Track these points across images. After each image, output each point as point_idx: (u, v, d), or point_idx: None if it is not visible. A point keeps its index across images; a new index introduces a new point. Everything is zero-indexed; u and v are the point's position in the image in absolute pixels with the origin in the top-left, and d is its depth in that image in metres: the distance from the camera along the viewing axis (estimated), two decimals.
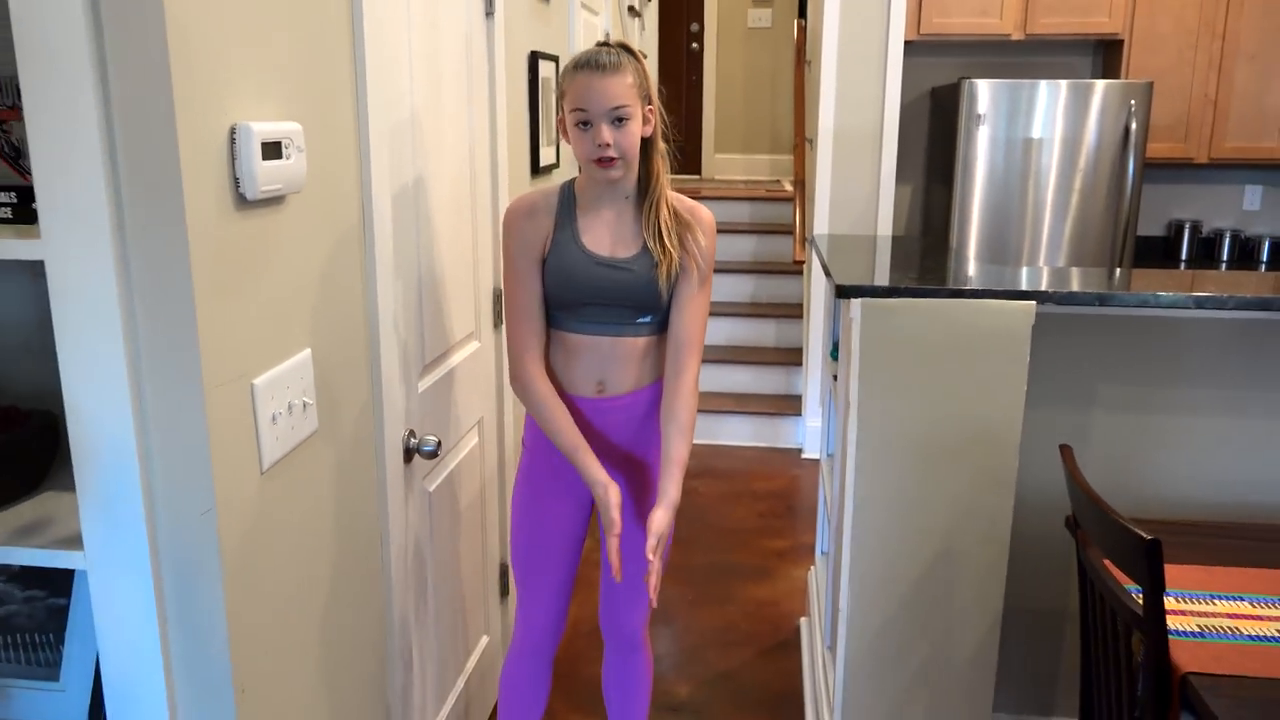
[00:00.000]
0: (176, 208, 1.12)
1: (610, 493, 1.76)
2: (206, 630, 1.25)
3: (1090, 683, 1.78)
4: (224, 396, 1.22)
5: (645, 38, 5.48)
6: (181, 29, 1.10)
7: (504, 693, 2.08)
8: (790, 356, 4.99)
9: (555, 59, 2.94)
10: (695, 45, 7.48)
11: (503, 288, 1.86)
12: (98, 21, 1.07)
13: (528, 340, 1.82)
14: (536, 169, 2.78)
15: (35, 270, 1.47)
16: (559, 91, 1.75)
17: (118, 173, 1.11)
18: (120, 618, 1.24)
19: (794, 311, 5.19)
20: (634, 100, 1.68)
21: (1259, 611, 1.59)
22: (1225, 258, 4.60)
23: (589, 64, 1.68)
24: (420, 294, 1.92)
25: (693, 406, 1.83)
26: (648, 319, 1.82)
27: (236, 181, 1.22)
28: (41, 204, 1.13)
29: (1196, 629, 1.53)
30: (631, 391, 1.86)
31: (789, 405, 4.82)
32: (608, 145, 1.67)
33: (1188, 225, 4.63)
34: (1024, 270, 2.25)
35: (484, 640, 2.50)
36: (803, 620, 3.09)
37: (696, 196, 5.90)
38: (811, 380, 4.64)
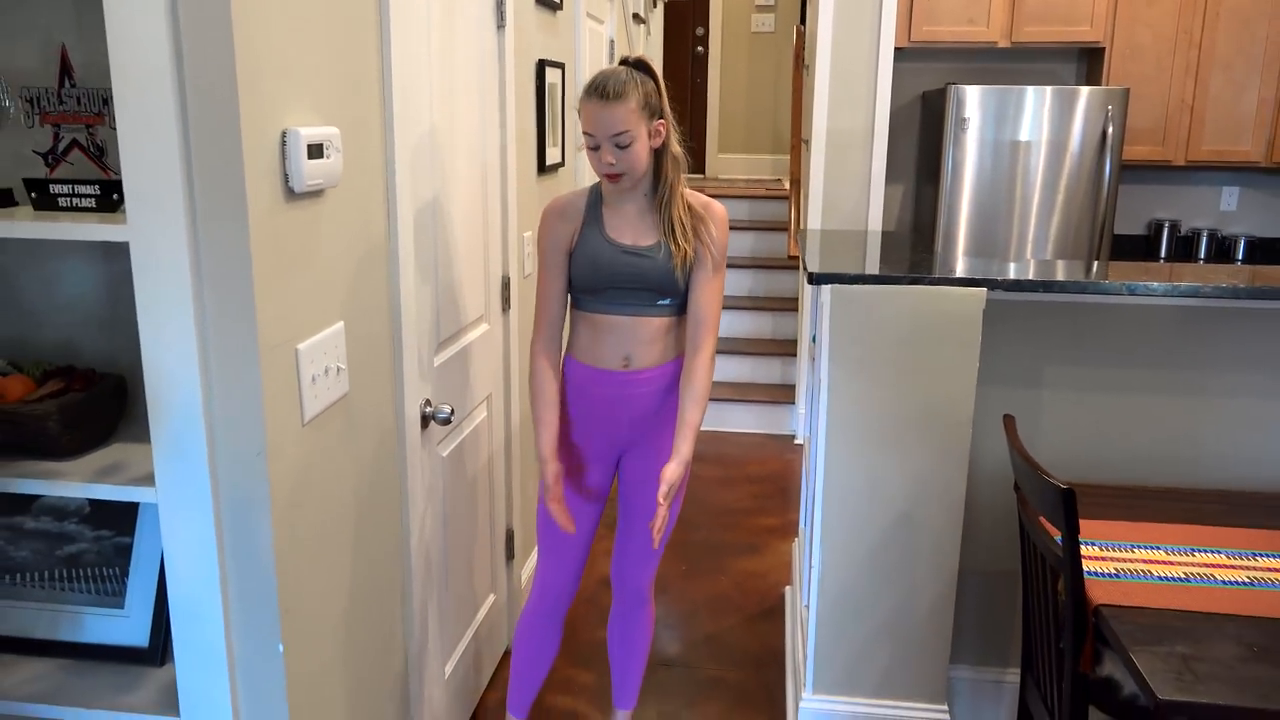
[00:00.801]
0: (239, 199, 1.35)
1: (549, 470, 2.07)
2: (256, 555, 1.49)
3: (1029, 625, 2.01)
4: (274, 358, 1.45)
5: (650, 43, 5.70)
6: (246, 52, 1.33)
7: (518, 644, 2.31)
8: (786, 347, 5.22)
9: (561, 66, 3.17)
10: (700, 49, 7.71)
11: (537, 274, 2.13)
12: (178, 45, 1.31)
13: (545, 329, 2.11)
14: (543, 167, 3.01)
15: (106, 252, 1.72)
16: (579, 110, 1.99)
17: (191, 169, 1.35)
18: (185, 545, 1.48)
19: (790, 305, 5.42)
20: (636, 124, 1.91)
21: (1171, 558, 1.81)
22: (1203, 255, 4.80)
23: (596, 92, 1.92)
24: (436, 277, 2.15)
25: (708, 378, 2.08)
26: (667, 302, 2.05)
27: (286, 177, 1.45)
28: (129, 195, 1.36)
29: (1113, 571, 1.76)
30: (655, 366, 2.09)
31: (784, 394, 5.05)
32: (612, 164, 1.93)
33: (1167, 224, 4.83)
34: (977, 261, 2.47)
35: (490, 598, 2.73)
36: (787, 589, 3.32)
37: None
38: (806, 369, 4.87)
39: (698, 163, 7.89)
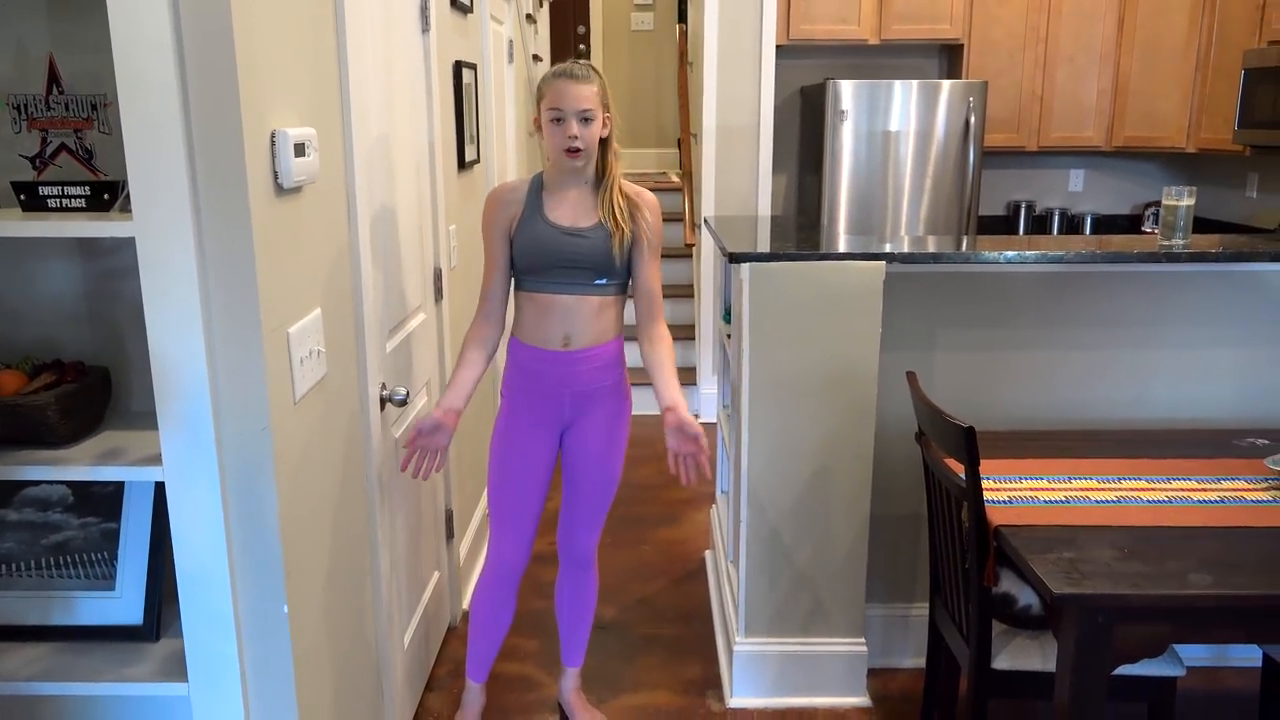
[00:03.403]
0: (241, 194, 1.48)
1: (435, 415, 2.18)
2: (262, 524, 1.61)
3: (936, 555, 2.29)
4: (272, 341, 1.58)
5: (539, 41, 5.86)
6: (245, 59, 1.45)
7: (477, 611, 2.46)
8: (684, 332, 5.46)
9: (474, 67, 3.32)
10: (583, 47, 7.89)
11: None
12: (181, 52, 1.42)
13: (485, 307, 2.30)
14: (462, 164, 3.15)
15: (85, 251, 1.80)
16: (539, 95, 2.17)
17: (195, 168, 1.46)
18: (192, 518, 1.59)
19: (686, 291, 5.67)
20: (597, 106, 2.13)
21: (1053, 486, 2.12)
22: (1056, 232, 5.29)
23: (566, 73, 2.13)
24: (386, 268, 2.28)
25: (670, 341, 2.34)
26: (604, 281, 2.23)
27: (276, 174, 1.58)
28: (134, 193, 1.46)
29: (1006, 498, 2.04)
30: (594, 346, 2.27)
31: (686, 376, 5.29)
32: (575, 138, 2.11)
33: (1024, 205, 5.30)
34: (875, 238, 2.76)
35: (436, 575, 2.87)
36: (707, 553, 3.56)
37: None
38: (704, 353, 5.13)
39: None
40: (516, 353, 2.32)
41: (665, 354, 2.30)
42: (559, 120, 2.11)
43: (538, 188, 2.24)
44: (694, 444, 2.17)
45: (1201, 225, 4.77)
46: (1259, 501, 2.02)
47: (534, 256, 2.20)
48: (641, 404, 5.56)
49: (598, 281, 2.23)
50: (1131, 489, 2.10)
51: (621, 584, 3.35)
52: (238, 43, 1.44)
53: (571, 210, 2.22)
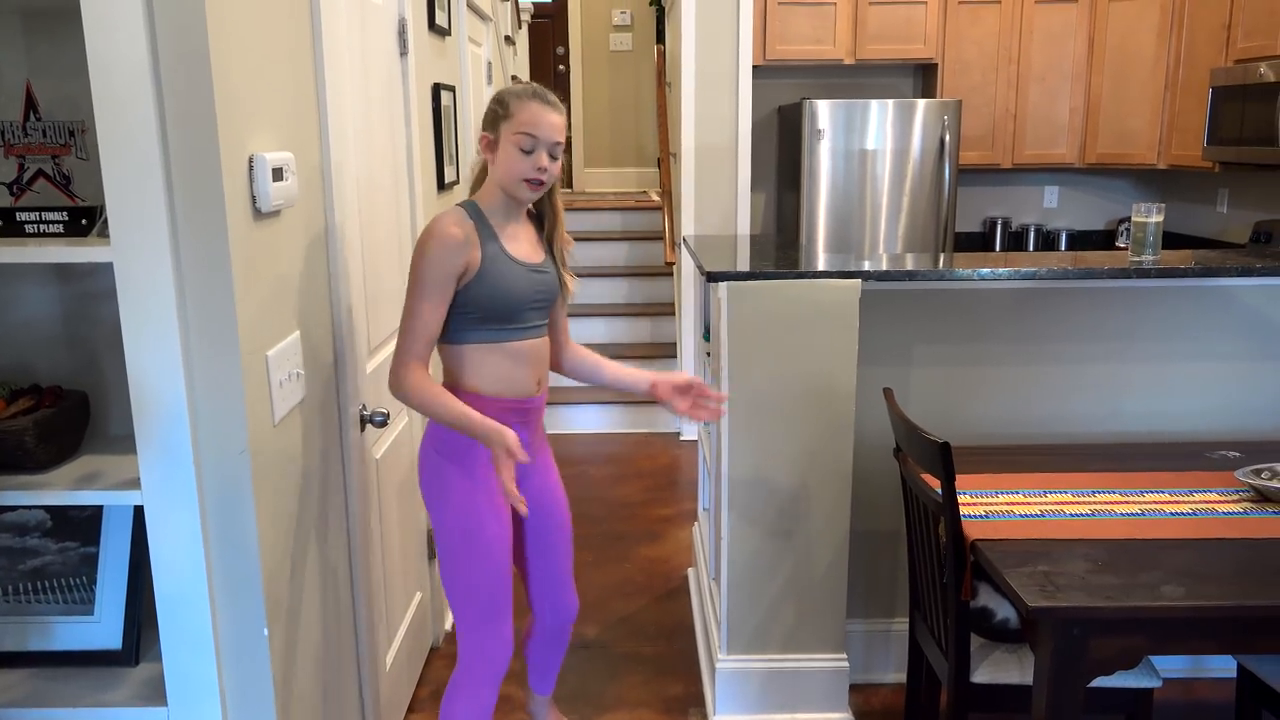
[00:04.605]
0: (220, 218, 1.49)
1: (506, 435, 1.83)
2: (242, 546, 1.61)
3: (915, 570, 2.31)
4: (251, 364, 1.58)
5: (518, 63, 5.89)
6: (221, 82, 1.47)
7: None
8: (665, 350, 5.48)
9: (453, 89, 3.34)
10: (562, 67, 7.95)
11: (410, 290, 1.91)
12: (158, 77, 1.43)
13: (422, 352, 1.91)
14: (442, 184, 3.17)
15: (62, 276, 1.81)
16: (502, 113, 1.92)
17: (172, 192, 1.47)
18: (171, 541, 1.59)
19: (666, 310, 5.70)
20: (563, 138, 1.95)
21: (1028, 500, 2.14)
22: (1031, 248, 5.35)
23: (542, 97, 1.92)
24: (365, 290, 2.29)
25: None
26: (545, 319, 2.08)
27: (254, 198, 1.59)
28: (112, 218, 1.47)
29: (983, 513, 2.07)
30: (545, 387, 2.10)
31: None
32: (544, 170, 1.91)
33: (1000, 222, 5.36)
34: (853, 256, 2.79)
35: (418, 595, 2.86)
36: (690, 570, 3.56)
37: (570, 209, 6.38)
38: (685, 369, 5.15)
39: (565, 178, 8.12)
40: (481, 409, 1.92)
41: (597, 355, 2.28)
42: (529, 150, 1.90)
43: (480, 220, 1.95)
44: (695, 388, 2.14)
45: (1173, 240, 4.86)
46: (1230, 513, 2.05)
47: (509, 301, 1.94)
48: (619, 421, 5.57)
49: (544, 319, 2.08)
50: (1105, 502, 2.13)
51: (603, 602, 3.35)
52: (215, 67, 1.45)
53: (527, 245, 2.02)
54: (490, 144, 1.96)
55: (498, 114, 1.95)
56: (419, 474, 2.06)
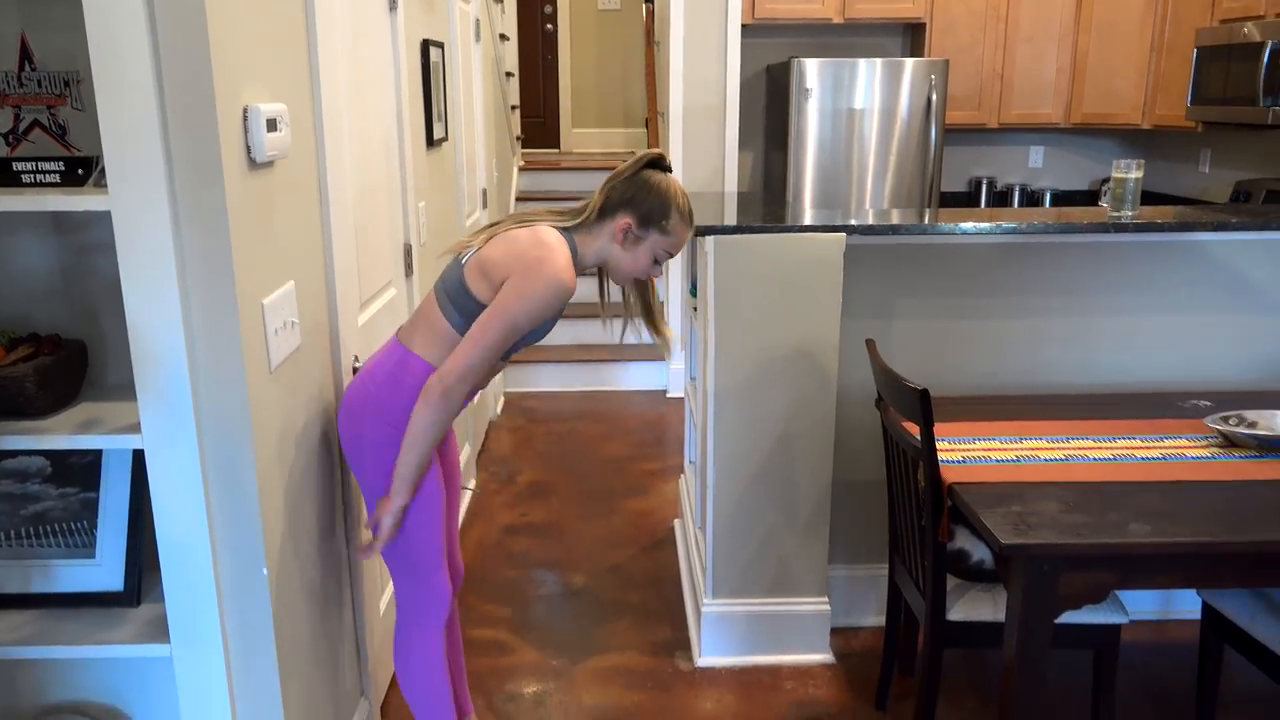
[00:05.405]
0: (216, 168, 1.52)
1: (401, 502, 1.90)
2: (241, 488, 1.66)
3: (895, 514, 2.38)
4: (247, 312, 1.62)
5: (506, 20, 5.87)
6: (217, 35, 1.49)
7: (434, 670, 2.09)
8: None
9: (441, 45, 3.34)
10: (550, 26, 7.89)
11: (498, 326, 1.85)
12: (154, 28, 1.46)
13: (482, 383, 1.97)
14: (431, 142, 3.19)
15: (59, 226, 1.83)
16: (662, 224, 1.97)
17: (169, 143, 1.50)
18: (172, 484, 1.63)
19: None
20: None
21: (1004, 447, 2.21)
22: (1015, 206, 5.39)
23: (693, 224, 2.04)
24: (357, 243, 2.32)
25: None
26: None
27: (249, 148, 1.62)
28: (109, 168, 1.50)
29: (960, 458, 2.13)
30: None
31: (653, 353, 5.37)
32: (657, 273, 2.07)
33: (985, 181, 5.40)
34: (839, 212, 2.83)
35: None
36: (676, 521, 3.63)
37: (556, 169, 6.39)
38: (672, 326, 5.20)
39: (552, 137, 8.10)
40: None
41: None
42: (660, 261, 2.03)
43: (573, 266, 1.97)
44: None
45: (1155, 199, 4.91)
46: (1198, 458, 2.12)
47: (539, 338, 2.02)
48: (607, 380, 5.62)
49: None
50: (1079, 448, 2.19)
51: (592, 552, 3.42)
52: (210, 19, 1.47)
53: None
54: (632, 235, 1.98)
55: (656, 219, 1.97)
56: (363, 448, 1.96)
